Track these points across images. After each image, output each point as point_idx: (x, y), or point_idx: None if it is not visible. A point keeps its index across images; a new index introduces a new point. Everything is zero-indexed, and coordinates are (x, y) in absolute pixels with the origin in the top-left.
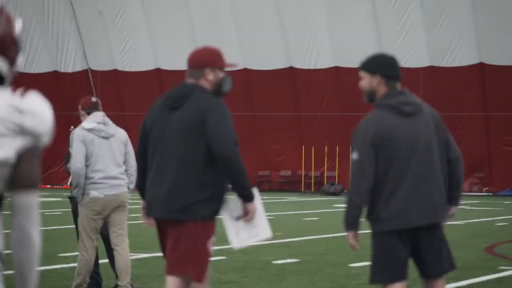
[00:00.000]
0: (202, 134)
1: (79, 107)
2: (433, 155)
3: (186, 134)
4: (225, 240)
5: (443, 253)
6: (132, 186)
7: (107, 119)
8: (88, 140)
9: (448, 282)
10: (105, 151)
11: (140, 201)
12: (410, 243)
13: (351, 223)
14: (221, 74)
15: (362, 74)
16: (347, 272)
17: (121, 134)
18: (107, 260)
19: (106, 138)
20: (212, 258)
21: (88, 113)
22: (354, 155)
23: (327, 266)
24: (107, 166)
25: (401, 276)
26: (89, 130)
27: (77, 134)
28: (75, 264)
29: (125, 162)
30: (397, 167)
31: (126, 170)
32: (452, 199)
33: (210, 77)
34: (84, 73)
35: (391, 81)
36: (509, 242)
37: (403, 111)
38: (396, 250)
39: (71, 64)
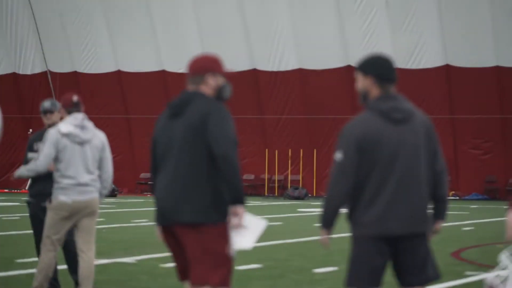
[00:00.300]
0: (206, 138)
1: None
2: (418, 163)
3: (190, 140)
4: None
5: (427, 262)
6: (105, 192)
7: (86, 122)
8: (61, 145)
9: None
10: (77, 157)
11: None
12: (389, 250)
13: (326, 223)
14: (221, 81)
15: (357, 74)
16: (311, 278)
17: (98, 139)
18: (65, 266)
19: (80, 144)
20: (172, 264)
21: (69, 112)
22: (337, 155)
23: (291, 271)
24: (78, 173)
25: (376, 283)
26: (64, 135)
27: (51, 136)
28: (34, 270)
29: (100, 168)
30: (379, 172)
31: (100, 176)
32: (438, 213)
33: (211, 82)
34: (44, 75)
35: (384, 83)
36: (476, 247)
37: (392, 117)
38: (374, 256)
39: (30, 66)
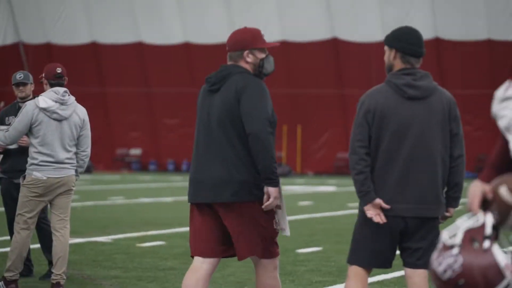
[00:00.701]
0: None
1: (43, 75)
2: (431, 144)
3: (226, 117)
4: (164, 225)
5: (433, 247)
6: (81, 170)
7: (67, 97)
8: (37, 120)
9: (378, 274)
10: (54, 134)
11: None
12: (396, 232)
13: (362, 194)
14: (261, 55)
15: (385, 47)
16: (295, 259)
17: (78, 115)
18: (38, 245)
19: (58, 120)
20: (151, 243)
21: (51, 85)
22: (353, 124)
23: None
24: (54, 150)
25: (379, 263)
26: (42, 109)
27: (26, 110)
28: (5, 250)
29: (78, 145)
30: (385, 150)
31: (77, 154)
32: (450, 199)
33: (248, 59)
34: (15, 46)
35: (408, 56)
36: None
37: (405, 93)
38: (380, 238)
39: (1, 37)
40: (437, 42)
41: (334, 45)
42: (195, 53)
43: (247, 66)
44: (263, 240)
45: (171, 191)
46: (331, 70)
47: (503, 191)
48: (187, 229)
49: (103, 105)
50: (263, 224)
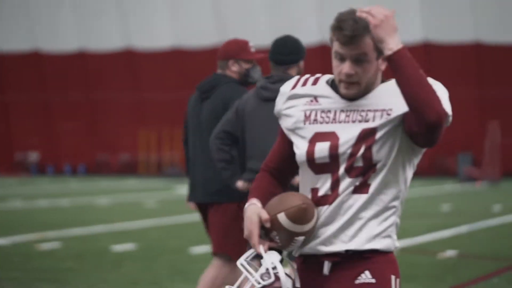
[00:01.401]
0: None
1: None
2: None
3: (213, 123)
4: (62, 226)
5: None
6: None
7: None
8: None
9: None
10: None
11: None
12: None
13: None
14: (246, 65)
15: None
16: (188, 258)
17: None
18: None
19: None
20: (49, 245)
21: None
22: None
23: (167, 251)
24: None
25: None
26: None
27: None
28: None
29: None
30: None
31: None
32: None
33: (234, 68)
34: None
35: (272, 62)
36: None
37: (260, 95)
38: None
39: None
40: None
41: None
42: (90, 62)
43: (233, 75)
44: (239, 242)
45: (68, 193)
46: None
47: (283, 220)
48: (82, 230)
49: (2, 111)
50: (229, 224)
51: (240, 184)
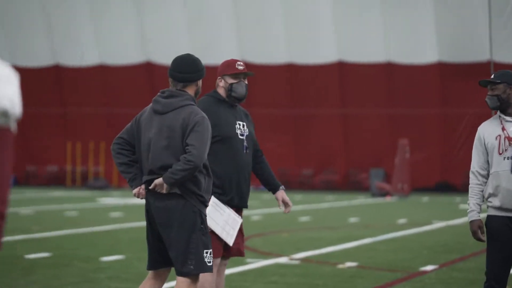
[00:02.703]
0: None
1: None
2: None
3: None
4: None
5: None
6: None
7: None
8: None
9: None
10: None
11: None
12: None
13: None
14: (231, 81)
15: None
16: (97, 266)
17: None
18: None
19: None
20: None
21: None
22: None
23: (78, 260)
24: None
25: None
26: None
27: None
28: None
29: None
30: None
31: None
32: None
33: (220, 84)
34: None
35: (171, 80)
36: (260, 235)
37: (153, 107)
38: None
39: None
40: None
41: (147, 67)
42: (21, 75)
43: (220, 90)
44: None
45: None
46: (144, 89)
47: None
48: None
49: None
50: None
51: (133, 190)
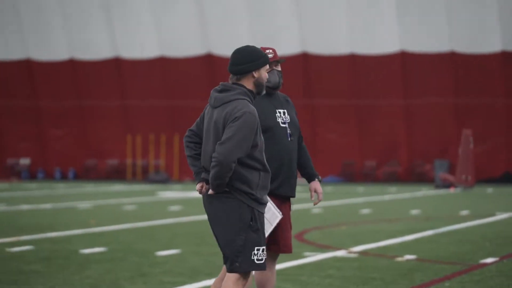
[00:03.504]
0: None
1: None
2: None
3: None
4: (37, 230)
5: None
6: None
7: None
8: None
9: None
10: None
11: None
12: None
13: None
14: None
15: None
16: (153, 260)
17: None
18: None
19: None
20: (20, 248)
21: None
22: None
23: (133, 254)
24: None
25: None
26: None
27: None
28: None
29: None
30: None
31: None
32: None
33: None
34: None
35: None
36: (319, 228)
37: (209, 103)
38: None
39: None
40: (305, 56)
41: (209, 59)
42: (79, 67)
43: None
44: None
45: (52, 198)
46: (207, 82)
47: None
48: (57, 234)
49: None
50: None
51: (196, 185)
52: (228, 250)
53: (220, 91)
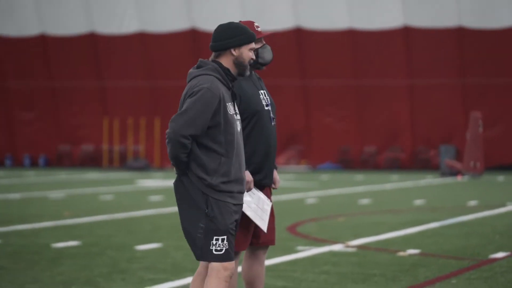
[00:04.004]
0: None
1: None
2: None
3: None
4: (4, 222)
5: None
6: None
7: None
8: None
9: None
10: None
11: None
12: None
13: None
14: (256, 45)
15: None
16: (131, 255)
17: None
18: None
19: None
20: None
21: None
22: None
23: (111, 248)
24: None
25: None
26: None
27: None
28: None
29: None
30: None
31: None
32: None
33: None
34: None
35: None
36: (314, 220)
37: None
38: None
39: None
40: (298, 31)
41: (193, 36)
42: (51, 46)
43: None
44: None
45: (21, 187)
46: (190, 61)
47: None
48: (27, 226)
49: None
50: None
51: None
52: (187, 238)
53: (197, 67)
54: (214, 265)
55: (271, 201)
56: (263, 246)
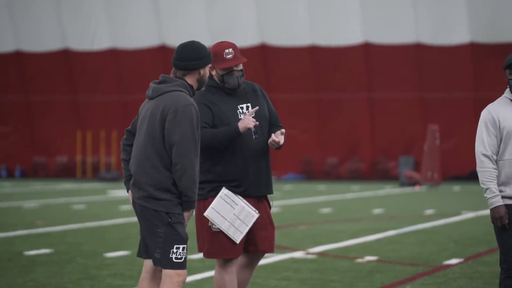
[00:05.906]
0: None
1: None
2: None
3: None
4: None
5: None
6: None
7: None
8: None
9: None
10: None
11: None
12: None
13: None
14: (220, 72)
15: None
16: (101, 262)
17: None
18: None
19: None
20: None
21: None
22: None
23: (81, 256)
24: None
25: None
26: None
27: None
28: None
29: None
30: None
31: None
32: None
33: (213, 74)
34: None
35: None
36: (276, 229)
37: (146, 94)
38: None
39: None
40: (263, 47)
41: (163, 51)
42: (26, 61)
43: (216, 77)
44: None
45: None
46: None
47: None
48: (0, 235)
49: None
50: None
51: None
52: (149, 243)
53: (159, 83)
54: (168, 271)
55: (259, 213)
56: (261, 254)
